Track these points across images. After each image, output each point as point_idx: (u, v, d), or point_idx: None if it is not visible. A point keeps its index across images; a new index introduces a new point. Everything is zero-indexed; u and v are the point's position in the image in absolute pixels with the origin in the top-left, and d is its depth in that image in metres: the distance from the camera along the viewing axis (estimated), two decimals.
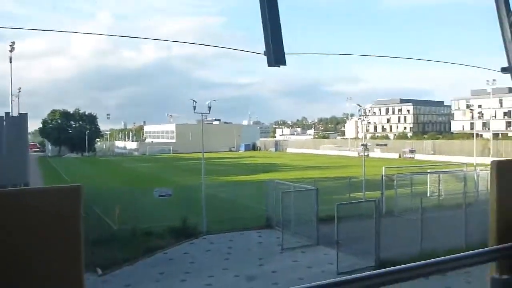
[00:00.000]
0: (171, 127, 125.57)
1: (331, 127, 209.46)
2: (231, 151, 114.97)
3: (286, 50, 2.97)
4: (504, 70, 8.94)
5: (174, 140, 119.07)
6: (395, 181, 29.12)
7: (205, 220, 22.51)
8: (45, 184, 37.88)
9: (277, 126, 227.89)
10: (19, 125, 21.18)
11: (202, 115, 27.67)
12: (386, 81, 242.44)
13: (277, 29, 2.87)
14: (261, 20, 2.92)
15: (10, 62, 48.77)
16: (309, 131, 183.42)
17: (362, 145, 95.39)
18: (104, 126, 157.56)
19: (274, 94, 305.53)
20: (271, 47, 2.86)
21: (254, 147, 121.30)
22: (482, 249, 2.33)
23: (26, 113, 22.88)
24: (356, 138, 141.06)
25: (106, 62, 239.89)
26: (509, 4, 8.20)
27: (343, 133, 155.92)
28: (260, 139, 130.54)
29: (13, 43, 49.70)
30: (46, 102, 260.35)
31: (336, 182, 36.39)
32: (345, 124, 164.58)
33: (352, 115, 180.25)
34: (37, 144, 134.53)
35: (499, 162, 2.34)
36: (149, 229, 21.37)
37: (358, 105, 68.46)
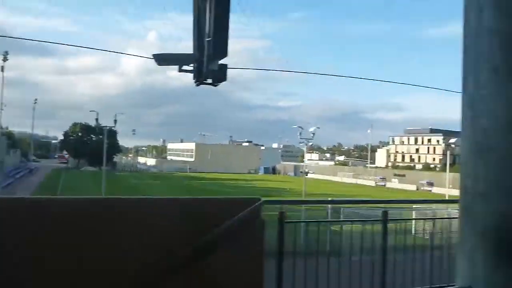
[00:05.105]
0: (191, 145, 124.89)
1: (366, 154, 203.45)
2: (249, 173, 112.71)
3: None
4: None
5: (192, 159, 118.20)
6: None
7: None
8: None
9: (311, 151, 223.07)
10: None
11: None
12: (427, 111, 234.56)
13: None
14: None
15: (2, 71, 49.08)
16: (339, 158, 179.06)
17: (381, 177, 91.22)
18: (139, 142, 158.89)
19: (312, 118, 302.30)
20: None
21: (274, 171, 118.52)
22: None
23: None
24: (386, 167, 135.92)
25: (151, 81, 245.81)
26: None
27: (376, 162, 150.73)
28: (282, 162, 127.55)
29: (6, 52, 50.00)
30: (90, 116, 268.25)
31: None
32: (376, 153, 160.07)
33: (387, 143, 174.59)
34: (65, 156, 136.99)
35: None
36: None
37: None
